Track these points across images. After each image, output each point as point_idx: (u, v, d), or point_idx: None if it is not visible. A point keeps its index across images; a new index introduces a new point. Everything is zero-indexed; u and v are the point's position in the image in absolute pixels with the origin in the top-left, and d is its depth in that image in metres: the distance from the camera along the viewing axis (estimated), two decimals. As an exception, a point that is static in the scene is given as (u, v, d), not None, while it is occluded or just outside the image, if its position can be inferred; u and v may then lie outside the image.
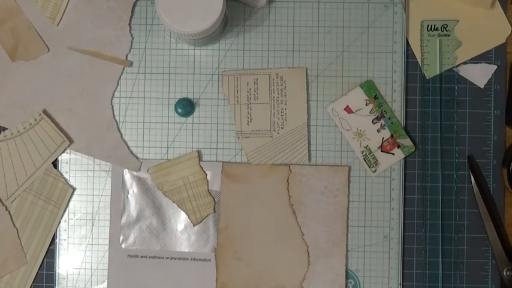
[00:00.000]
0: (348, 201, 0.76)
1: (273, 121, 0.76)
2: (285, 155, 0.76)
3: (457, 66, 0.76)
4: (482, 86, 0.76)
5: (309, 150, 0.76)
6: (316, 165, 0.76)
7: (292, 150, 0.76)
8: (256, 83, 0.76)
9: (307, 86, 0.76)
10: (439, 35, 0.76)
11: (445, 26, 0.76)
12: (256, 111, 0.76)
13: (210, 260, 0.75)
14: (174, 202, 0.76)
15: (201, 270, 0.75)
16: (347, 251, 0.75)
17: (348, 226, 0.75)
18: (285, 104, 0.76)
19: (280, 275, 0.75)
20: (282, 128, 0.76)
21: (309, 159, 0.76)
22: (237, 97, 0.76)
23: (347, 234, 0.75)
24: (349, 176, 0.76)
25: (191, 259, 0.75)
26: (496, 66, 0.76)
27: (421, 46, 0.76)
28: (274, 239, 0.75)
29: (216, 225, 0.75)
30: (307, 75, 0.76)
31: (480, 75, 0.76)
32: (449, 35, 0.76)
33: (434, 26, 0.76)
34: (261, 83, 0.76)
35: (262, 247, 0.75)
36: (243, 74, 0.76)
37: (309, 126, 0.76)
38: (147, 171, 0.76)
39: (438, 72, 0.76)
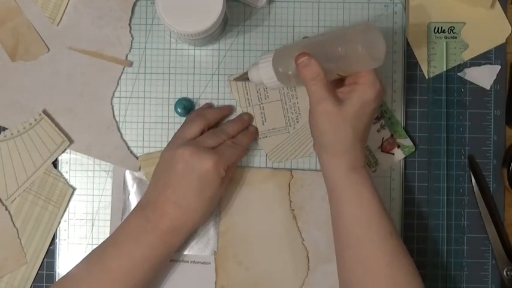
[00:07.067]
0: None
1: (287, 117, 0.76)
2: (305, 147, 0.76)
3: (461, 70, 0.76)
4: (488, 88, 0.76)
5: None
6: (317, 170, 0.76)
7: (312, 142, 0.75)
8: None
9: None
10: (445, 37, 0.76)
11: (452, 28, 0.76)
12: (269, 110, 0.76)
13: (209, 263, 0.75)
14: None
15: (200, 273, 0.75)
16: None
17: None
18: (296, 98, 0.76)
19: (280, 280, 0.74)
20: (297, 121, 0.76)
21: None
22: (248, 100, 0.76)
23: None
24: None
25: (191, 262, 0.75)
26: (499, 67, 0.76)
27: (427, 48, 0.76)
28: (274, 244, 0.75)
29: (216, 229, 0.75)
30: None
31: (485, 76, 0.76)
32: (456, 37, 0.76)
33: (441, 28, 0.76)
34: None
35: (262, 251, 0.75)
36: None
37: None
38: (137, 158, 0.75)
39: (444, 74, 0.76)
